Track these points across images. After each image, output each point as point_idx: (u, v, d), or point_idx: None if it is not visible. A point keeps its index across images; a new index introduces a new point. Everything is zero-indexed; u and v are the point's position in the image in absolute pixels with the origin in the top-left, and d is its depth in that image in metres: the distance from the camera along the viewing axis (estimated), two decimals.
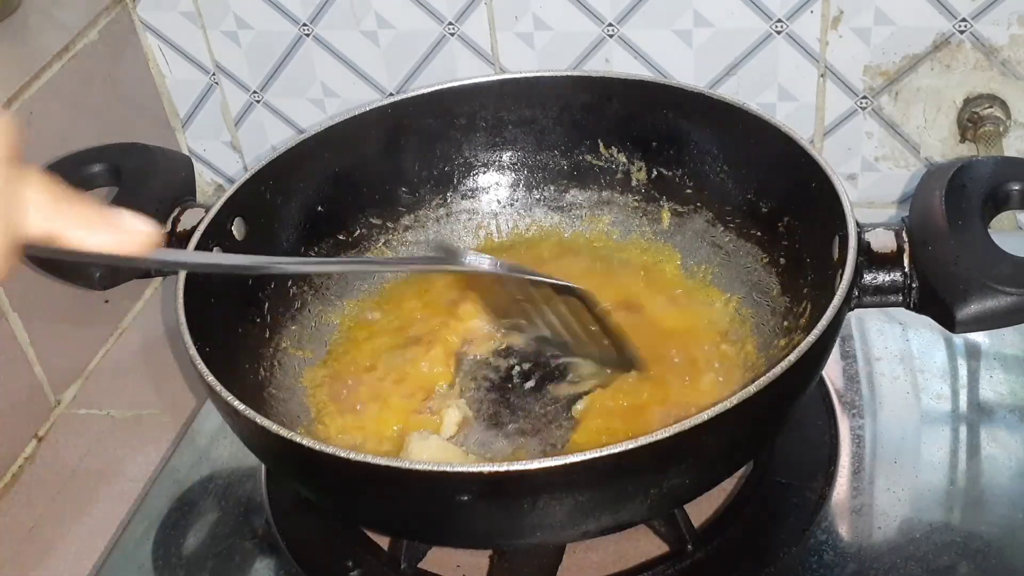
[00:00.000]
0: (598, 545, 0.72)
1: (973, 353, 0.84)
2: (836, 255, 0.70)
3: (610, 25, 0.98)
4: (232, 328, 0.77)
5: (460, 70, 1.04)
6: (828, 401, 0.80)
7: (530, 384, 0.79)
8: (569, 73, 0.92)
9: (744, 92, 0.98)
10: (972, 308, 0.65)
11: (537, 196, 0.92)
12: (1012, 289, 0.64)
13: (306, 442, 0.60)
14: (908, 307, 0.69)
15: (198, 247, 0.75)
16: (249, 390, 0.75)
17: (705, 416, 0.58)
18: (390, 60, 1.05)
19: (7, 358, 0.89)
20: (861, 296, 0.69)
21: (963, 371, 0.83)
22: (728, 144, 0.82)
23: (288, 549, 0.74)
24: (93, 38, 1.00)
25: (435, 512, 0.62)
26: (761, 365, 0.77)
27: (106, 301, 1.01)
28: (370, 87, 1.07)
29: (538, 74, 0.88)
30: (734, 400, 0.59)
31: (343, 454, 0.59)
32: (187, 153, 1.15)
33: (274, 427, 0.62)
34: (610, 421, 0.74)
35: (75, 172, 0.83)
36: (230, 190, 0.79)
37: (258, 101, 1.10)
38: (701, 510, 0.73)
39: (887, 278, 0.69)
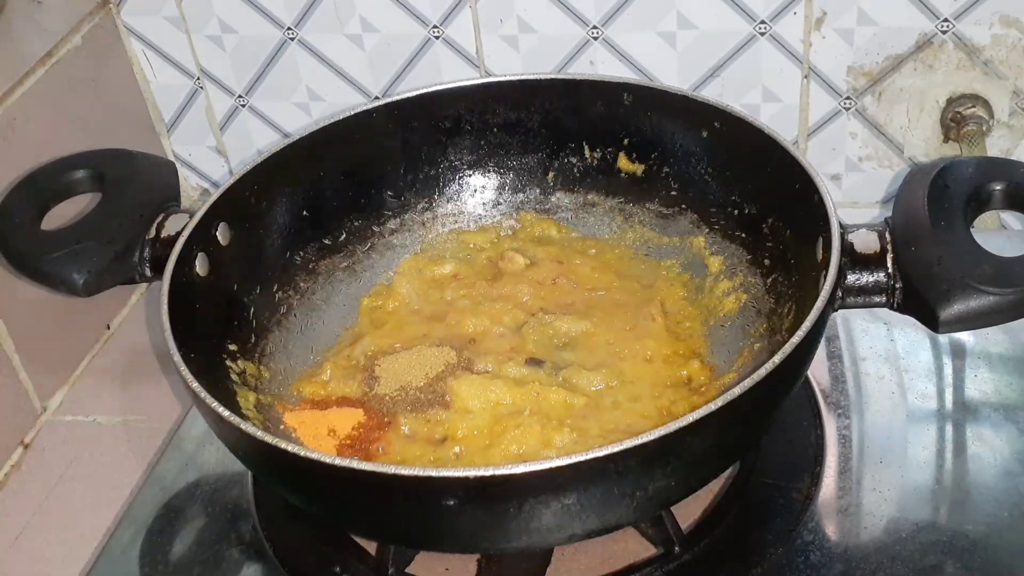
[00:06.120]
0: (586, 548, 0.72)
1: (958, 352, 0.84)
2: (820, 256, 0.70)
3: (594, 28, 0.98)
4: (217, 333, 0.77)
5: (445, 73, 1.04)
6: (814, 401, 0.80)
7: None
8: (554, 76, 0.92)
9: (728, 94, 0.98)
10: (955, 308, 0.65)
11: (522, 198, 0.92)
12: (995, 289, 0.65)
13: (290, 448, 0.60)
14: (891, 308, 0.70)
15: (182, 253, 0.75)
16: (234, 396, 0.75)
17: (690, 418, 0.59)
18: (375, 63, 1.04)
19: None
20: (845, 297, 0.69)
21: (948, 370, 0.83)
22: (712, 146, 0.83)
23: (275, 555, 0.74)
24: (77, 43, 1.00)
25: (421, 517, 0.62)
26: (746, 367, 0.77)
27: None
28: (355, 91, 1.07)
29: (523, 77, 0.89)
30: (719, 402, 0.59)
31: (327, 459, 0.59)
32: (172, 158, 1.14)
33: (258, 433, 0.62)
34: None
35: (58, 178, 0.82)
36: (215, 195, 0.79)
37: (243, 105, 1.10)
38: (688, 511, 0.73)
39: (870, 279, 0.69)
